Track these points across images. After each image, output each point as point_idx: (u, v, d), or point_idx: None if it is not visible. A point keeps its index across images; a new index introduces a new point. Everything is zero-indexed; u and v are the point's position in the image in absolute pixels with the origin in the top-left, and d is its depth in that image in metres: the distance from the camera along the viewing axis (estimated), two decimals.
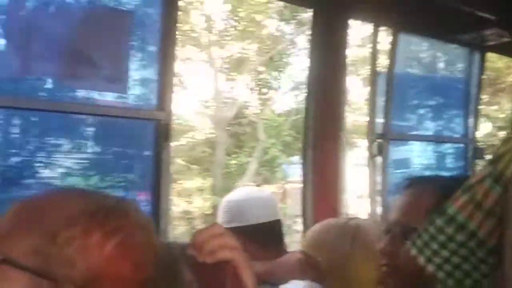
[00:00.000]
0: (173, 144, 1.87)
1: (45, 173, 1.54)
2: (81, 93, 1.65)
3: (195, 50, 10.02)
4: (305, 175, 2.22)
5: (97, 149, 1.66)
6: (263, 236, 1.57)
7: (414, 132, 2.86)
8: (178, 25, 1.85)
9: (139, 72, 1.78)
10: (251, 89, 10.64)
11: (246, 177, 9.84)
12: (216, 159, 10.25)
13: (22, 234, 0.58)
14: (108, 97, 1.70)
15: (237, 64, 10.28)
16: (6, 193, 1.46)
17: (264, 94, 10.78)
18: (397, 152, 2.70)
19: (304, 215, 2.19)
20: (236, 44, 10.13)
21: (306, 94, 2.33)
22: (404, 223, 1.01)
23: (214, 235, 0.70)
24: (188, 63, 10.01)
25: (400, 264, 0.97)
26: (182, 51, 9.20)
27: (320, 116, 2.24)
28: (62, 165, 1.57)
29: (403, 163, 2.78)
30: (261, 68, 10.50)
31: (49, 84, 1.56)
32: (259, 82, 10.61)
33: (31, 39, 1.50)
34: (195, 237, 0.69)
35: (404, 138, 2.78)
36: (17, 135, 1.52)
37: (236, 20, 10.04)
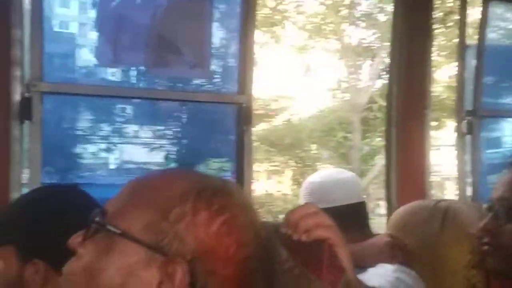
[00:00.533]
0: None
1: (141, 158, 1.63)
2: (167, 80, 1.72)
3: (320, 37, 10.37)
4: (388, 156, 2.16)
5: (183, 134, 1.72)
6: (348, 218, 1.55)
7: (507, 109, 2.66)
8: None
9: (221, 57, 1.82)
10: (378, 74, 10.71)
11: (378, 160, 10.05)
12: (353, 143, 10.61)
13: (137, 210, 0.61)
14: (192, 82, 1.75)
15: (363, 51, 10.57)
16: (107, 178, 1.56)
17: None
18: (489, 130, 2.53)
19: (388, 198, 2.14)
20: (360, 30, 10.39)
21: (389, 70, 2.25)
22: (509, 200, 0.97)
23: (309, 213, 0.70)
24: (316, 51, 10.33)
25: (504, 243, 0.93)
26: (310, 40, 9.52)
27: (404, 94, 2.15)
28: (155, 150, 1.66)
29: (495, 141, 2.60)
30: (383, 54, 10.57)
31: (138, 72, 1.64)
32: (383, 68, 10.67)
33: (120, 30, 1.59)
34: (289, 215, 0.70)
35: (496, 115, 2.60)
36: (110, 122, 1.63)
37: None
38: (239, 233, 0.62)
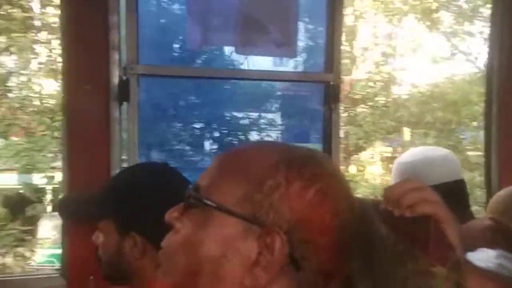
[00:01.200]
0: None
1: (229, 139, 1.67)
2: (255, 60, 1.72)
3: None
4: (488, 135, 2.01)
5: (273, 113, 1.73)
6: (446, 197, 1.46)
7: None
8: None
9: (307, 34, 1.79)
10: None
11: None
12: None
13: (230, 184, 0.62)
14: (279, 61, 1.74)
15: None
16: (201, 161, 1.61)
17: None
18: None
19: (487, 180, 1.99)
20: None
21: (489, 44, 2.07)
22: None
23: (412, 188, 0.66)
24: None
25: None
26: None
27: (506, 71, 1.98)
28: (247, 131, 1.68)
29: None
30: None
31: (226, 53, 1.66)
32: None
33: (209, 11, 1.62)
34: (389, 191, 0.66)
35: None
36: (200, 103, 1.67)
37: None
38: (332, 202, 0.61)
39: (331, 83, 1.79)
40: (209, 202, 0.61)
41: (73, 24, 1.53)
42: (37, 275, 1.63)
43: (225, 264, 0.60)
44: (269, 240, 0.59)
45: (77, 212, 1.22)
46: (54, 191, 9.51)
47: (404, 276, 0.60)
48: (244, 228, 0.60)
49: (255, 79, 1.72)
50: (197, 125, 1.69)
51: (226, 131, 1.69)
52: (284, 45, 1.69)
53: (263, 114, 1.72)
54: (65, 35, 1.56)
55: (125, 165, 1.64)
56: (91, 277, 1.54)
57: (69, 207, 1.25)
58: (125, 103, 1.61)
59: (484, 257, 1.20)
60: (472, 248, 1.25)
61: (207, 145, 1.72)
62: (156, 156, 1.73)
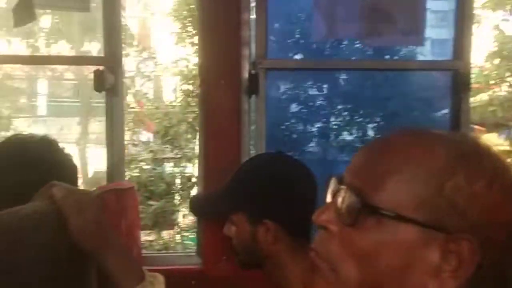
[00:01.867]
0: None
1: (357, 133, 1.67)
2: (380, 50, 1.70)
3: None
4: None
5: (398, 102, 1.70)
6: None
7: None
8: None
9: (435, 21, 1.73)
10: None
11: None
12: None
13: (401, 185, 0.56)
14: (405, 50, 1.71)
15: None
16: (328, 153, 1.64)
17: None
18: None
19: None
20: None
21: None
22: None
23: None
24: None
25: None
26: None
27: None
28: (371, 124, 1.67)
29: None
30: None
31: (352, 44, 1.66)
32: None
33: (335, 3, 1.63)
34: None
35: None
36: (329, 96, 1.70)
37: None
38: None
39: (460, 71, 1.71)
40: (386, 212, 0.55)
41: (209, 22, 1.63)
42: (177, 253, 1.77)
43: (407, 274, 0.55)
44: (454, 247, 0.54)
45: (207, 211, 1.31)
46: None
47: None
48: (425, 235, 0.55)
49: (382, 69, 1.70)
50: (322, 118, 1.71)
51: (359, 121, 1.70)
52: (411, 34, 1.65)
53: (387, 104, 1.69)
54: (201, 33, 1.67)
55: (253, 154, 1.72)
56: (224, 257, 1.65)
57: (199, 206, 1.35)
58: (253, 96, 1.69)
59: None
60: None
61: (333, 136, 1.74)
62: (281, 147, 1.78)
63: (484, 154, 0.58)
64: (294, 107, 1.77)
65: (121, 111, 1.69)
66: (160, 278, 0.95)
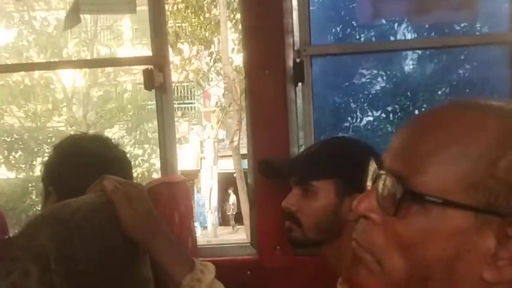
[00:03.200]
0: None
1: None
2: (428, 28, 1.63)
3: None
4: None
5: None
6: None
7: None
8: None
9: None
10: None
11: None
12: None
13: (446, 167, 0.50)
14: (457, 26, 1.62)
15: None
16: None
17: None
18: None
19: None
20: None
21: None
22: None
23: None
24: None
25: None
26: None
27: None
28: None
29: None
30: None
31: (400, 24, 1.60)
32: None
33: None
34: None
35: None
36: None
37: None
38: None
39: None
40: (431, 198, 0.50)
41: (251, 12, 1.62)
42: (231, 243, 1.77)
43: (458, 263, 0.50)
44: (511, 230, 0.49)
45: (284, 173, 1.23)
46: None
47: None
48: (477, 220, 0.49)
49: (431, 48, 1.62)
50: (372, 104, 1.66)
51: (405, 106, 1.63)
52: (464, 8, 1.56)
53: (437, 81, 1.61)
54: (245, 24, 1.66)
55: (301, 143, 1.70)
56: (278, 247, 1.64)
57: (274, 168, 1.30)
58: (299, 84, 1.66)
59: None
60: None
61: (381, 121, 1.68)
62: (330, 133, 1.74)
63: None
64: (342, 94, 1.73)
65: (171, 107, 1.71)
66: (211, 267, 0.95)
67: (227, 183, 14.33)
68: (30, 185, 9.90)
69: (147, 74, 1.59)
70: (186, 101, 13.87)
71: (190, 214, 1.43)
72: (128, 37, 11.57)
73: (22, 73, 9.32)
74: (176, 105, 12.12)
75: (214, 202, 13.90)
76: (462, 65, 1.63)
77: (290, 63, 1.64)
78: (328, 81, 1.73)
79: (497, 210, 0.48)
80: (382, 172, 0.54)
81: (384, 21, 1.65)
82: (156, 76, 1.60)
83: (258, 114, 1.64)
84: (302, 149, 1.65)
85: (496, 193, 0.49)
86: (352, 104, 1.71)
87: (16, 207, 9.20)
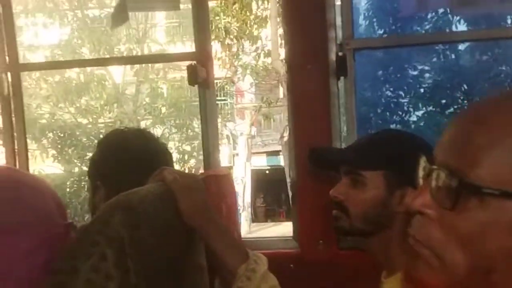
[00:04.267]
0: None
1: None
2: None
3: None
4: None
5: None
6: None
7: None
8: None
9: None
10: None
11: None
12: None
13: (502, 157, 0.50)
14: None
15: None
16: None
17: None
18: None
19: None
20: None
21: None
22: None
23: None
24: None
25: None
26: None
27: None
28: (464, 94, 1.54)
29: None
30: None
31: (445, 16, 1.54)
32: None
33: None
34: None
35: None
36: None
37: None
38: None
39: None
40: (489, 190, 0.49)
41: (293, 6, 1.61)
42: (274, 237, 1.78)
43: None
44: None
45: (334, 162, 1.19)
46: None
47: None
48: None
49: (473, 40, 1.55)
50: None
51: (456, 97, 1.58)
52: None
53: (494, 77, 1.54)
54: (286, 18, 1.65)
55: (344, 137, 1.68)
56: (321, 241, 1.63)
57: (324, 156, 1.28)
58: (342, 78, 1.64)
59: None
60: None
61: (424, 114, 1.63)
62: (373, 127, 1.71)
63: None
64: (386, 84, 1.69)
65: (214, 102, 1.73)
66: (264, 259, 0.96)
67: (258, 180, 14.36)
68: (83, 179, 10.28)
69: (191, 70, 1.62)
70: (218, 98, 13.82)
71: (235, 207, 1.45)
72: (179, 33, 11.74)
73: (77, 70, 9.64)
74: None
75: (247, 198, 13.94)
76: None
77: (333, 57, 1.62)
78: (378, 75, 1.69)
79: None
80: (434, 167, 0.54)
81: (431, 14, 1.59)
82: (199, 72, 1.62)
83: (300, 109, 1.63)
84: (344, 144, 1.63)
85: None
86: (401, 98, 1.66)
87: (72, 201, 9.57)
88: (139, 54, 9.61)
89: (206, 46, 1.68)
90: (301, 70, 1.60)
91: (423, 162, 0.57)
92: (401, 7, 1.52)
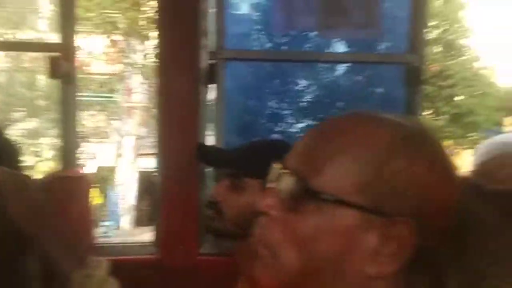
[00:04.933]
0: None
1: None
2: (335, 42, 1.68)
3: None
4: None
5: (341, 93, 1.68)
6: None
7: None
8: None
9: (391, 16, 1.71)
10: None
11: None
12: None
13: (343, 168, 0.53)
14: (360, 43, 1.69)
15: None
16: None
17: None
18: None
19: None
20: None
21: None
22: None
23: (509, 163, 0.63)
24: None
25: None
26: None
27: None
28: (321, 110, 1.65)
29: None
30: None
31: (310, 36, 1.64)
32: None
33: None
34: (484, 165, 0.63)
35: None
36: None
37: None
38: (453, 181, 0.55)
39: (413, 64, 1.70)
40: (326, 196, 0.52)
41: (167, 12, 1.58)
42: (133, 243, 1.72)
43: (346, 258, 0.53)
44: (394, 231, 0.52)
45: (221, 160, 1.20)
46: None
47: (495, 248, 0.57)
48: (364, 219, 0.52)
49: (337, 62, 1.68)
50: (281, 108, 1.69)
51: (304, 114, 1.68)
52: (368, 27, 1.63)
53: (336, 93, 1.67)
54: (160, 23, 1.62)
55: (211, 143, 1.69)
56: (181, 246, 1.61)
57: (215, 154, 1.26)
58: (212, 86, 1.65)
59: None
60: None
61: (290, 126, 1.72)
62: (241, 137, 1.75)
63: (426, 137, 0.55)
64: (255, 96, 1.74)
65: (74, 98, 1.63)
66: (104, 264, 0.92)
67: (145, 182, 13.97)
68: None
69: (52, 62, 1.50)
70: (104, 94, 13.04)
71: (88, 210, 1.36)
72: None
73: None
74: (94, 98, 11.54)
75: (131, 201, 13.43)
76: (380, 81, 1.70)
77: (204, 64, 1.62)
78: (242, 85, 1.73)
79: (381, 211, 0.52)
80: (285, 171, 0.56)
81: (298, 33, 1.68)
82: (61, 65, 1.52)
83: (168, 113, 1.60)
84: None
85: (382, 195, 0.52)
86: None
87: None
88: (11, 40, 8.77)
89: (71, 38, 1.57)
90: (171, 75, 1.58)
91: (275, 166, 0.59)
92: (275, 25, 1.60)
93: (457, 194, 0.55)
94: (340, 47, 1.81)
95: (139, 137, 12.68)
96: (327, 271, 0.54)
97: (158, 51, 1.64)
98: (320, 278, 0.54)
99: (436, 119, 13.18)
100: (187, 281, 1.59)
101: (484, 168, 0.64)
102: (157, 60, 1.65)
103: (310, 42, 1.75)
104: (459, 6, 14.27)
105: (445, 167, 0.55)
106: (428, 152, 0.54)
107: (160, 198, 1.63)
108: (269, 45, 1.72)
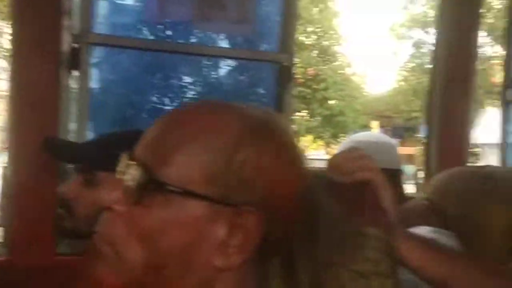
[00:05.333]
0: None
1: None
2: (209, 36, 1.67)
3: None
4: (429, 122, 2.05)
5: (224, 91, 1.69)
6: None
7: None
8: None
9: (263, 13, 1.75)
10: None
11: None
12: None
13: (190, 159, 0.51)
14: (235, 39, 1.70)
15: None
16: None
17: None
18: None
19: (427, 163, 2.04)
20: None
21: (436, 34, 2.10)
22: None
23: (353, 156, 0.67)
24: None
25: None
26: None
27: (449, 61, 2.02)
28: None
29: None
30: None
31: (181, 27, 1.60)
32: None
33: None
34: (332, 159, 0.67)
35: None
36: (155, 76, 1.60)
37: None
38: (301, 170, 0.55)
39: (284, 63, 1.76)
40: (172, 188, 0.50)
41: None
42: None
43: (193, 251, 0.51)
44: (241, 220, 0.51)
45: (68, 155, 1.12)
46: None
47: (339, 237, 0.60)
48: (212, 210, 0.51)
49: (208, 55, 1.66)
50: (149, 97, 1.63)
51: (175, 104, 1.65)
52: (241, 23, 1.65)
53: (205, 88, 1.67)
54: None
55: (72, 134, 1.56)
56: (34, 246, 1.47)
57: (63, 148, 1.15)
58: (75, 72, 1.52)
59: (419, 232, 1.24)
60: (410, 225, 1.28)
61: (157, 115, 1.67)
62: (105, 128, 1.65)
63: (275, 127, 0.55)
64: (121, 85, 1.65)
65: None
66: None
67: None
68: None
69: None
70: None
71: None
72: None
73: None
74: None
75: None
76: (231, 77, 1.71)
77: (66, 47, 1.48)
78: (108, 72, 1.63)
79: (230, 201, 0.51)
80: (131, 163, 0.53)
81: (171, 22, 1.63)
82: None
83: (20, 102, 1.44)
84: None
85: (230, 185, 0.51)
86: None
87: None
88: None
89: None
90: (26, 58, 1.42)
91: (123, 157, 0.56)
92: (147, 12, 1.52)
93: (304, 185, 0.55)
94: (221, 44, 1.80)
95: (2, 129, 11.44)
96: (174, 266, 0.52)
97: (12, 31, 1.47)
98: (167, 273, 0.52)
99: (311, 120, 14.10)
100: (42, 283, 1.46)
101: (332, 161, 0.68)
102: (12, 41, 1.47)
103: (194, 38, 1.71)
104: (334, 14, 15.42)
105: (293, 158, 0.55)
106: (276, 143, 0.54)
107: (9, 194, 1.46)
108: (151, 38, 1.64)
